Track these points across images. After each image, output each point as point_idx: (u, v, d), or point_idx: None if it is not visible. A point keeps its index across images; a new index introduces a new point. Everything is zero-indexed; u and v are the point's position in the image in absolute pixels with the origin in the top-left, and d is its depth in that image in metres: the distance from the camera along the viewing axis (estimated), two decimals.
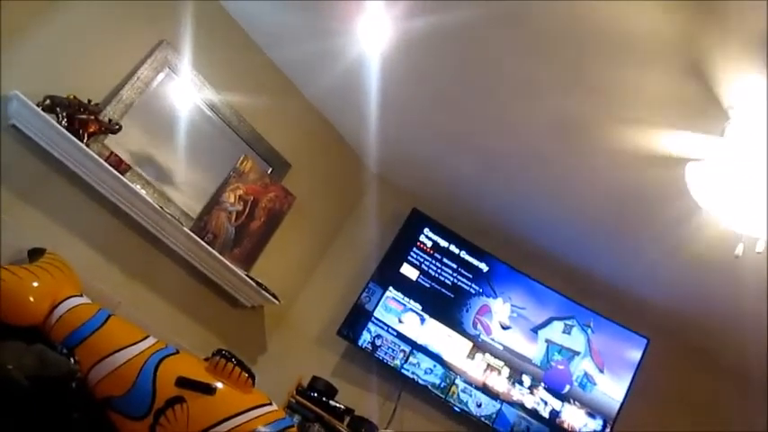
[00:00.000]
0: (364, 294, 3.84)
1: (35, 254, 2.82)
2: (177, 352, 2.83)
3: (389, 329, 3.79)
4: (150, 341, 2.80)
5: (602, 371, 3.74)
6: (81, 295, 2.81)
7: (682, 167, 2.39)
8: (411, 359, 3.74)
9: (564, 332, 3.84)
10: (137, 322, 2.90)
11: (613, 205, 3.15)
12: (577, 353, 3.78)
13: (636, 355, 3.72)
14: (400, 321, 3.81)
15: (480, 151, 3.36)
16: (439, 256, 3.96)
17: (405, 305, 3.85)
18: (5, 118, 2.82)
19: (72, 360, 2.59)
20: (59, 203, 2.98)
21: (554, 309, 3.88)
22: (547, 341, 3.81)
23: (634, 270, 3.56)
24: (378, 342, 3.76)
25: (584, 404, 3.68)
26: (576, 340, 3.81)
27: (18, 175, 2.88)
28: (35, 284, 2.66)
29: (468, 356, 3.77)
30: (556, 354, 3.79)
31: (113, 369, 2.65)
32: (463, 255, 3.97)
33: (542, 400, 3.70)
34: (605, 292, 3.87)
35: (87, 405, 2.59)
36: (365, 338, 3.76)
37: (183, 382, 2.67)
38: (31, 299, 2.63)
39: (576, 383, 3.72)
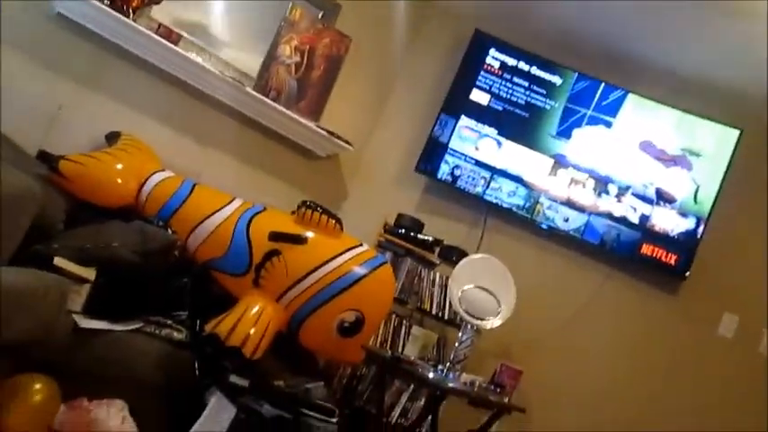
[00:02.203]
0: (437, 127, 3.78)
1: (112, 137, 2.92)
2: (264, 209, 2.94)
3: (467, 158, 3.76)
4: (237, 203, 2.91)
5: (691, 171, 3.61)
6: (164, 170, 2.92)
7: None
8: (492, 184, 3.73)
9: (649, 136, 3.68)
10: (220, 188, 3.00)
11: None
12: (665, 155, 3.64)
13: (728, 148, 3.55)
14: (477, 149, 3.77)
15: None
16: (508, 76, 3.79)
17: (479, 132, 3.77)
18: (50, 7, 2.80)
19: (170, 231, 2.74)
20: (121, 84, 3.02)
21: (636, 113, 3.68)
22: (632, 147, 3.67)
23: (722, 54, 3.29)
24: (457, 172, 3.76)
25: (674, 206, 3.60)
26: (664, 143, 3.65)
27: (75, 64, 2.91)
28: (119, 166, 2.78)
29: (550, 174, 3.72)
30: (642, 159, 3.66)
31: (209, 233, 2.79)
32: (534, 71, 3.78)
33: (631, 206, 3.65)
34: (692, 86, 3.63)
35: (192, 270, 2.78)
36: (444, 171, 3.76)
37: (275, 236, 2.78)
38: (119, 180, 2.77)
39: (665, 186, 3.62)
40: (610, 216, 3.66)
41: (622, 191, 3.67)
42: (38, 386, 2.07)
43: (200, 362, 2.52)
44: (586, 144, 3.71)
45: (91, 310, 2.43)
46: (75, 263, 2.40)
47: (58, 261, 2.35)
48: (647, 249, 3.61)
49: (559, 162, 3.73)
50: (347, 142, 3.56)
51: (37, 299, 1.95)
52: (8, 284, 1.81)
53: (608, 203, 3.67)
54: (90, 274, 2.43)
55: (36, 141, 2.77)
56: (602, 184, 3.69)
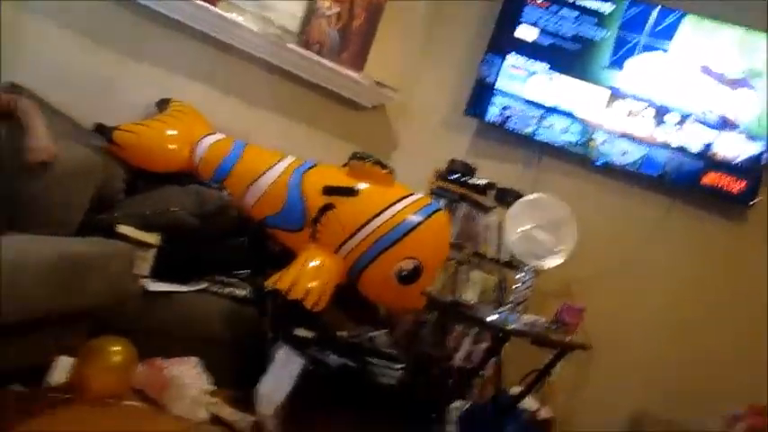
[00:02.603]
0: (483, 67, 3.69)
1: (162, 104, 2.98)
2: (316, 164, 2.95)
3: (516, 98, 3.67)
4: (288, 160, 2.93)
5: (755, 91, 3.42)
6: (214, 132, 2.96)
7: None
8: (544, 123, 3.64)
9: (709, 59, 3.49)
10: (270, 146, 3.03)
11: None
12: (726, 77, 3.46)
13: None
14: (526, 87, 3.66)
15: None
16: (555, 9, 3.64)
17: (527, 69, 3.66)
18: None
19: (225, 192, 2.80)
20: (166, 52, 3.06)
21: (694, 35, 3.49)
22: (691, 72, 3.49)
23: None
24: (507, 113, 3.67)
25: (739, 131, 3.44)
26: (725, 64, 3.46)
27: (120, 36, 2.95)
28: (171, 132, 2.84)
29: (606, 107, 3.60)
30: (702, 83, 3.48)
31: (263, 192, 2.83)
32: (582, 0, 3.62)
33: (692, 134, 3.50)
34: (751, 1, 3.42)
35: (249, 228, 2.84)
36: (493, 112, 3.68)
37: (328, 190, 2.81)
38: (172, 146, 2.83)
39: (727, 111, 3.45)
40: (669, 146, 3.52)
41: (682, 119, 3.52)
42: (116, 348, 2.18)
43: (265, 317, 2.60)
44: (642, 73, 3.56)
45: (157, 273, 2.52)
46: (138, 229, 2.49)
47: (121, 228, 2.44)
48: (709, 179, 3.47)
49: (614, 94, 3.59)
50: (393, 90, 3.52)
51: (105, 266, 2.04)
52: (77, 253, 1.90)
53: (667, 133, 3.53)
54: (153, 239, 2.52)
55: (91, 115, 2.84)
56: (660, 114, 3.54)
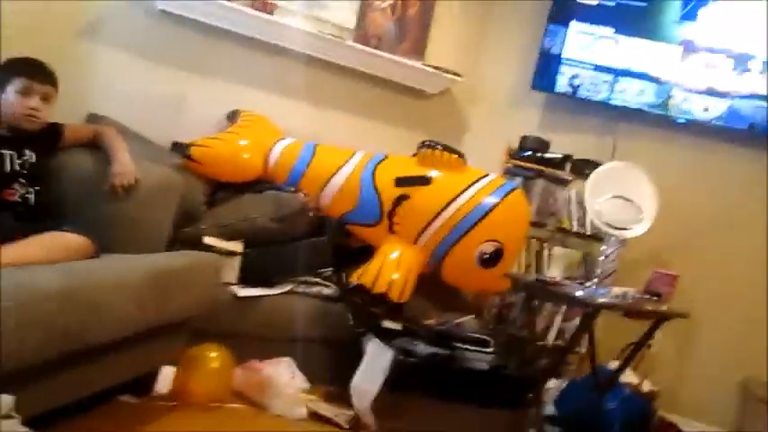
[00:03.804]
0: (547, 39, 3.58)
1: (232, 116, 3.07)
2: (386, 157, 2.97)
3: (585, 65, 3.54)
4: (359, 156, 2.96)
5: None
6: (285, 138, 3.03)
7: None
8: (616, 87, 3.50)
9: None
10: (340, 145, 3.06)
11: None
12: None
13: None
14: (594, 53, 3.53)
15: None
16: None
17: (594, 34, 3.53)
18: (153, 6, 2.95)
19: (301, 194, 2.86)
20: (230, 64, 3.15)
21: None
22: None
23: None
24: (576, 82, 3.56)
25: None
26: None
27: (185, 54, 3.06)
28: (243, 142, 2.92)
29: (679, 63, 3.42)
30: None
31: (337, 190, 2.89)
32: None
33: None
34: None
35: (328, 226, 2.89)
36: (561, 83, 3.57)
37: (401, 181, 2.83)
38: (245, 155, 2.91)
39: None
40: (756, 96, 3.31)
41: (767, 65, 3.30)
42: (213, 354, 2.28)
43: (353, 312, 2.64)
44: (716, 22, 3.36)
45: (245, 279, 2.61)
46: (222, 239, 2.58)
47: (207, 240, 2.54)
48: None
49: (689, 48, 3.41)
50: (456, 74, 3.48)
51: (195, 277, 2.12)
52: (167, 268, 1.99)
53: (752, 82, 3.32)
54: (238, 247, 2.61)
55: (166, 134, 2.96)
56: (741, 62, 3.33)
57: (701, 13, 3.38)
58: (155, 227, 2.27)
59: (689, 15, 3.40)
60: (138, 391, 2.13)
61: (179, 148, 2.87)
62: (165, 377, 2.23)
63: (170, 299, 1.94)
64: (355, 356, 2.46)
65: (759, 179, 3.34)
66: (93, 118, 2.77)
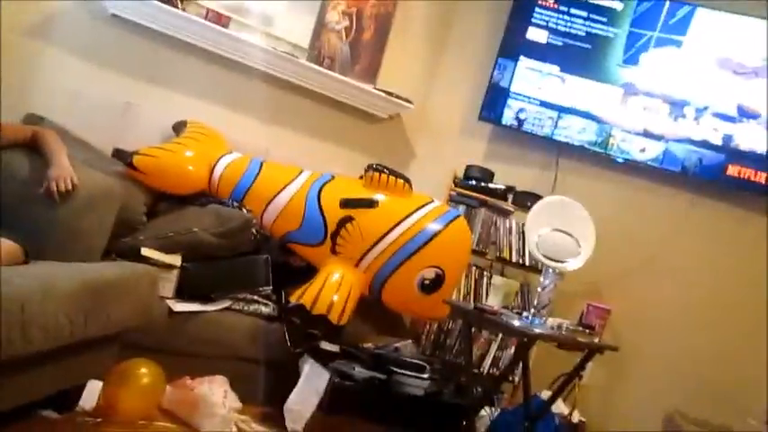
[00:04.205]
0: (496, 72, 3.68)
1: (179, 127, 3.01)
2: (333, 177, 2.97)
3: (531, 100, 3.65)
4: (305, 175, 2.95)
5: None
6: (232, 152, 2.99)
7: None
8: (560, 123, 3.62)
9: (724, 49, 3.44)
10: (288, 162, 3.05)
11: None
12: (742, 67, 3.41)
13: None
14: (540, 89, 3.65)
15: None
16: (565, 8, 3.63)
17: (541, 71, 3.65)
18: (104, 9, 2.89)
19: (244, 210, 2.82)
20: (180, 74, 3.10)
21: (706, 27, 3.44)
22: (705, 64, 3.45)
23: None
24: (522, 116, 3.66)
25: (759, 120, 3.38)
26: (740, 54, 3.40)
27: (135, 60, 3.01)
28: (189, 154, 2.87)
29: (620, 104, 3.57)
30: (717, 75, 3.43)
31: (282, 208, 2.86)
32: None
33: (711, 127, 3.45)
34: None
35: (270, 245, 2.86)
36: (508, 116, 3.67)
37: (346, 203, 2.82)
38: (190, 167, 2.86)
39: (746, 101, 3.39)
40: (689, 140, 3.48)
41: (700, 112, 3.47)
42: (143, 370, 2.20)
43: (291, 332, 2.61)
44: (656, 68, 3.53)
45: (182, 293, 2.55)
46: (161, 251, 2.52)
47: (144, 251, 2.47)
48: (733, 170, 3.43)
49: (629, 91, 3.56)
50: (407, 100, 3.53)
51: (130, 289, 2.06)
52: (102, 279, 1.92)
53: (686, 127, 3.49)
54: (176, 260, 2.55)
55: (109, 140, 2.89)
56: (677, 108, 3.50)
57: (643, 58, 3.54)
58: (91, 235, 2.20)
59: (631, 60, 3.56)
60: (60, 405, 2.04)
61: (121, 156, 2.80)
62: (91, 392, 2.14)
63: (102, 311, 1.88)
64: (291, 377, 2.43)
65: (689, 220, 3.50)
66: (32, 118, 2.67)
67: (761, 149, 3.37)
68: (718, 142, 3.44)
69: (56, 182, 2.08)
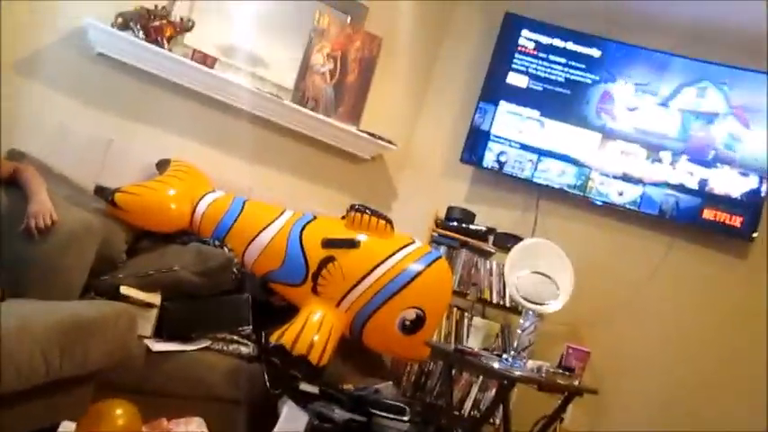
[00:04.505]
0: (477, 116, 3.76)
1: (162, 165, 3.02)
2: (315, 217, 2.98)
3: (511, 143, 3.72)
4: (288, 214, 2.96)
5: (747, 126, 3.47)
6: (214, 190, 3.00)
7: None
8: (540, 166, 3.68)
9: (698, 96, 3.56)
10: (271, 201, 3.06)
11: None
12: (716, 114, 3.52)
13: None
14: (520, 132, 3.72)
15: None
16: (544, 55, 3.73)
17: (520, 115, 3.73)
18: (91, 48, 2.92)
19: (226, 249, 2.81)
20: (165, 113, 3.12)
21: (681, 75, 3.57)
22: (681, 111, 3.57)
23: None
24: (503, 158, 3.72)
25: (734, 165, 3.47)
26: (714, 102, 3.53)
27: (120, 99, 3.03)
28: (171, 192, 2.87)
29: (599, 148, 3.64)
30: (693, 121, 3.55)
31: (264, 247, 2.86)
32: (570, 46, 3.71)
33: (687, 171, 3.53)
34: (737, 39, 3.48)
35: (251, 284, 2.84)
36: (489, 158, 3.73)
37: (328, 243, 2.83)
38: (172, 205, 2.85)
39: (721, 147, 3.49)
40: (666, 184, 3.55)
41: (676, 157, 3.56)
42: (119, 411, 2.16)
43: (270, 373, 2.58)
44: (633, 113, 3.62)
45: (160, 333, 2.52)
46: (141, 289, 2.50)
47: (124, 290, 2.45)
48: (709, 214, 3.49)
49: (608, 135, 3.64)
50: (390, 142, 3.58)
51: (108, 328, 2.03)
52: (80, 317, 1.90)
53: (663, 172, 3.56)
54: (155, 299, 2.52)
55: (91, 177, 2.88)
56: (653, 153, 3.59)
57: (620, 103, 3.63)
58: (70, 272, 2.18)
59: (609, 105, 3.64)
60: None
61: (102, 193, 2.79)
62: None
63: (79, 350, 1.85)
64: (270, 419, 2.39)
65: (666, 262, 3.55)
66: (13, 154, 2.66)
67: (736, 194, 3.45)
68: (695, 186, 3.51)
69: (35, 218, 2.07)
